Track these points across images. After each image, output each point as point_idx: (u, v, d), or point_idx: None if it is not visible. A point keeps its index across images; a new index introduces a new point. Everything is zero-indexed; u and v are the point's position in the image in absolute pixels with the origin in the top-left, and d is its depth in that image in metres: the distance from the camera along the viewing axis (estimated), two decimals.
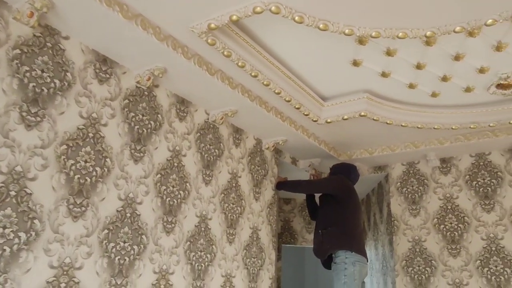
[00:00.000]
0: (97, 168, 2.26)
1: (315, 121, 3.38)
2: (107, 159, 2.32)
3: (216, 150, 3.17)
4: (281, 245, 5.63)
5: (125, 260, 2.34)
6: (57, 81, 2.16)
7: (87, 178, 2.20)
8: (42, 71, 2.06)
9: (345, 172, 3.57)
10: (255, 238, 3.42)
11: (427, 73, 2.87)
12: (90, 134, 2.27)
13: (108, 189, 2.31)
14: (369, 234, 5.20)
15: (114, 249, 2.29)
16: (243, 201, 3.36)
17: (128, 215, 2.42)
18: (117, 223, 2.34)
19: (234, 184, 3.29)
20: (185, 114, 2.93)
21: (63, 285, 2.01)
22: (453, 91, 3.09)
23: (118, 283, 2.29)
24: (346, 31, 2.22)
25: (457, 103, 3.29)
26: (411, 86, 3.04)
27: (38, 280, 1.92)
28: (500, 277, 3.59)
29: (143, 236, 2.49)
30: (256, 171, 3.58)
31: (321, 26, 2.17)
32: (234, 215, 3.24)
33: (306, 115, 3.28)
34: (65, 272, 2.04)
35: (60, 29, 2.19)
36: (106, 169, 2.30)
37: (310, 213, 3.73)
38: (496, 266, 3.65)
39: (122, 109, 2.50)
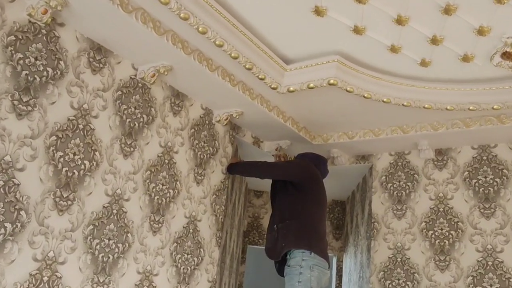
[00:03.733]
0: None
1: (274, 88, 3.17)
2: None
3: (144, 116, 2.97)
4: (247, 245, 5.48)
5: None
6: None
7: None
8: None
9: (313, 161, 3.43)
10: (191, 230, 3.27)
11: (412, 31, 2.61)
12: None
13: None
14: (350, 239, 4.99)
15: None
16: (177, 182, 3.18)
17: None
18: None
19: (167, 161, 3.10)
20: (101, 65, 2.66)
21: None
22: (448, 60, 2.86)
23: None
24: None
25: (453, 76, 3.05)
26: (394, 49, 2.79)
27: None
28: None
29: None
30: (201, 148, 3.41)
31: None
32: (164, 199, 3.06)
33: (262, 79, 3.05)
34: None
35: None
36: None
37: (272, 203, 3.57)
38: (491, 286, 3.38)
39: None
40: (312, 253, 2.99)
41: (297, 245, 3.02)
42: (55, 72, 2.41)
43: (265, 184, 4.96)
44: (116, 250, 2.68)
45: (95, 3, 2.29)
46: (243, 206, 4.73)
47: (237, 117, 3.50)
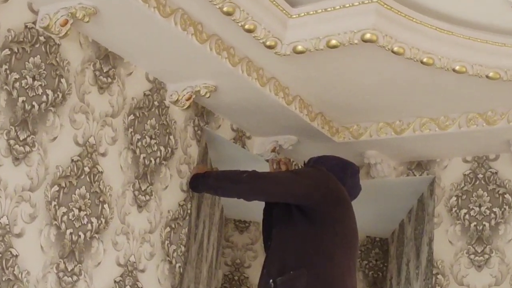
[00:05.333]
0: None
1: (271, 47, 3.18)
2: None
3: (49, 92, 2.95)
4: None
5: None
6: None
7: None
8: None
9: (336, 170, 3.46)
10: (128, 287, 3.28)
11: None
12: None
13: None
14: None
15: None
16: (105, 206, 3.18)
17: None
18: None
19: (87, 169, 3.10)
20: None
21: None
22: None
23: None
24: None
25: None
26: None
27: None
28: None
29: None
30: (145, 148, 3.43)
31: None
32: (82, 234, 3.05)
33: (250, 31, 3.06)
34: None
35: None
36: None
37: (266, 241, 3.65)
38: None
39: None
40: None
41: None
42: None
43: (253, 210, 4.93)
44: None
45: None
46: (217, 246, 4.71)
47: (208, 95, 3.51)
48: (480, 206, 4.05)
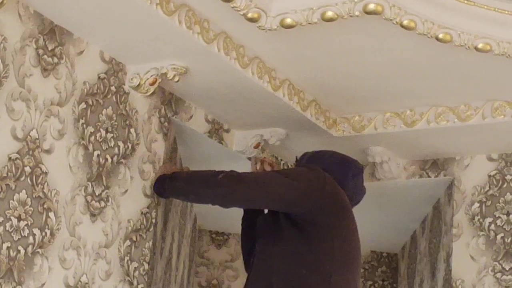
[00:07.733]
0: None
1: (253, 19, 3.19)
2: None
3: None
4: None
5: None
6: None
7: None
8: None
9: (334, 170, 3.47)
10: None
11: None
12: None
13: None
14: None
15: None
16: (50, 214, 3.16)
17: None
18: None
19: (28, 169, 3.08)
20: None
21: None
22: None
23: None
24: None
25: None
26: None
27: None
28: None
29: None
30: (100, 143, 3.44)
31: None
32: (21, 249, 3.02)
33: (228, 0, 3.05)
34: None
35: None
36: None
37: (247, 258, 3.70)
38: None
39: None
40: None
41: None
42: None
43: (234, 219, 4.95)
44: None
45: None
46: (189, 264, 4.71)
47: (176, 79, 3.52)
48: (508, 214, 4.07)
